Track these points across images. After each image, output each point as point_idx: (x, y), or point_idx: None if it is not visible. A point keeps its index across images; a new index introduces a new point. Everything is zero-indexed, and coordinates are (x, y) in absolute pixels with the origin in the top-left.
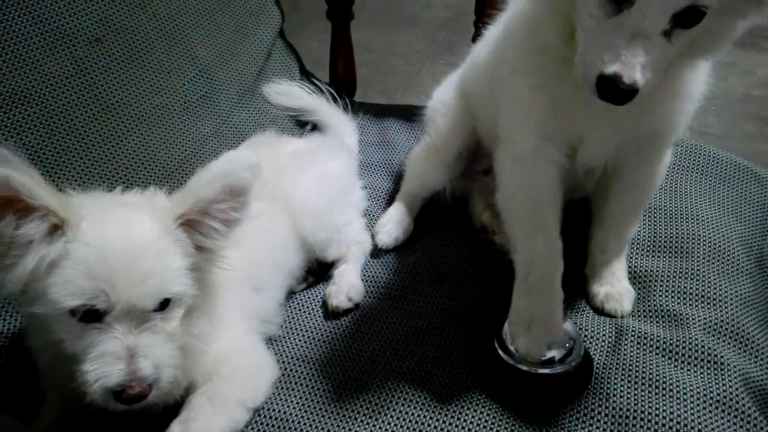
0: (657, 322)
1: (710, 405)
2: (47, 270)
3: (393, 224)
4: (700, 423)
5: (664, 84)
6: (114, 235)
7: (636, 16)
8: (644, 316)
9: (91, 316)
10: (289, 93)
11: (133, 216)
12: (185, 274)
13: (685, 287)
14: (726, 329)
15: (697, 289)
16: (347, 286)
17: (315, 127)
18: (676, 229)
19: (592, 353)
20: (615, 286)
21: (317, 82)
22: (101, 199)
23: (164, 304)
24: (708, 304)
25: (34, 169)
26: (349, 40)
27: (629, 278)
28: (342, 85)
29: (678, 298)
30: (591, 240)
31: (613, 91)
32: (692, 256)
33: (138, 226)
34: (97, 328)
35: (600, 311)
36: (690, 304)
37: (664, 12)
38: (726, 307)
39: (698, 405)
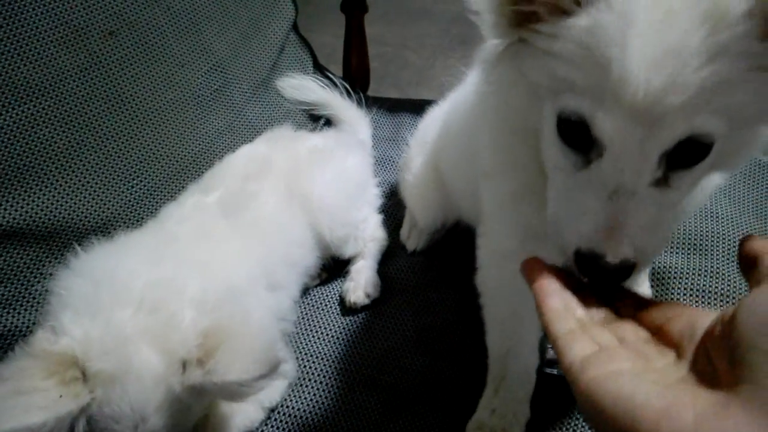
0: None
1: None
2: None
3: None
4: None
5: None
6: (127, 424)
7: (609, 170)
8: None
9: None
10: (302, 87)
11: (148, 393)
12: (190, 425)
13: (704, 285)
14: None
15: (716, 287)
16: (365, 282)
17: (328, 122)
18: (695, 226)
19: None
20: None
21: (331, 76)
22: (113, 347)
23: None
24: (728, 303)
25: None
26: (363, 34)
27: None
28: (355, 79)
29: (697, 296)
30: None
31: (599, 271)
32: (711, 255)
33: (151, 407)
34: None
35: None
36: (710, 304)
37: (647, 156)
38: None
39: None
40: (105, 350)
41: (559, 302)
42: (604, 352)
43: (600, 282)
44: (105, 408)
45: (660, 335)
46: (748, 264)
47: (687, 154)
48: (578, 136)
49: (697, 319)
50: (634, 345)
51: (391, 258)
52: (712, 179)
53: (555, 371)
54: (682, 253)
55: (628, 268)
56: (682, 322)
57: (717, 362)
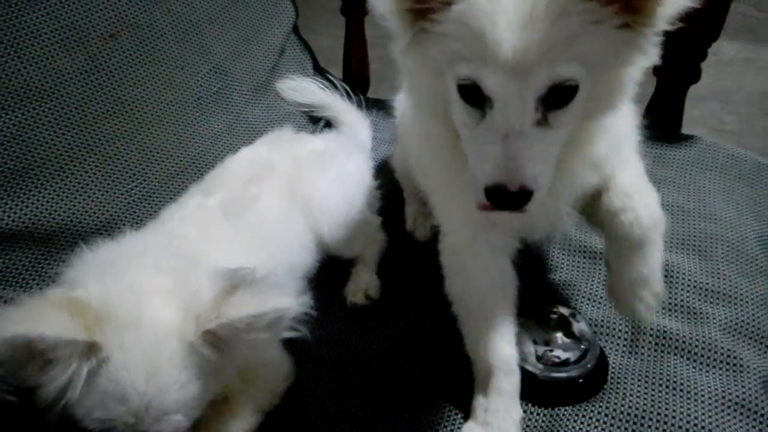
0: (675, 317)
1: (728, 407)
2: (76, 387)
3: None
4: (717, 426)
5: (578, 150)
6: (138, 372)
7: (499, 117)
8: (661, 311)
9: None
10: (302, 89)
11: (160, 342)
12: (206, 399)
13: (704, 283)
14: (745, 329)
15: (716, 286)
16: (365, 283)
17: (328, 124)
18: (694, 228)
19: (608, 351)
20: None
21: (332, 78)
22: (126, 298)
23: None
24: (727, 302)
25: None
26: (363, 36)
27: None
28: (355, 81)
29: (697, 294)
30: None
31: (505, 199)
32: (710, 256)
33: (163, 356)
34: None
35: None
36: (709, 302)
37: (525, 101)
38: (745, 307)
39: (716, 407)
40: (118, 299)
41: None
42: None
43: (507, 207)
44: (116, 354)
45: None
46: None
47: (558, 97)
48: (474, 96)
49: None
50: None
51: (391, 260)
52: (616, 123)
53: (530, 367)
54: (683, 253)
55: (527, 194)
56: None
57: None
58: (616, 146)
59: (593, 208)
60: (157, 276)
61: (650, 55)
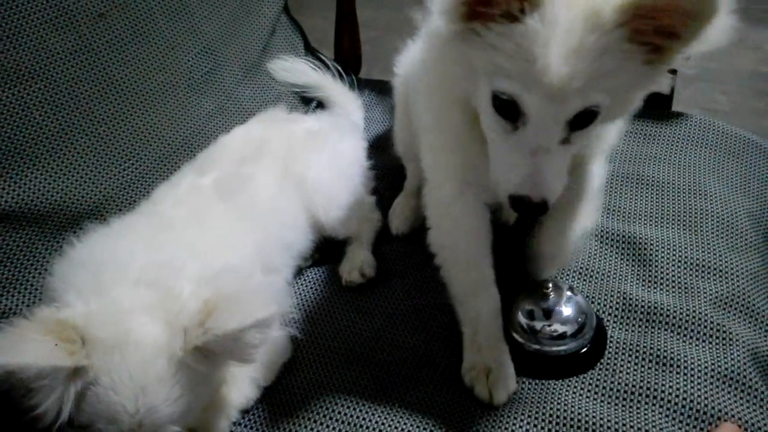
0: (665, 291)
1: (717, 380)
2: (65, 410)
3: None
4: (707, 398)
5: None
6: (126, 393)
7: (532, 135)
8: (652, 285)
9: None
10: (294, 69)
11: (148, 361)
12: (200, 405)
13: (694, 258)
14: (735, 302)
15: (705, 260)
16: (360, 261)
17: (320, 104)
18: (684, 203)
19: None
20: None
21: (324, 58)
22: (112, 318)
23: None
24: (717, 276)
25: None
26: (354, 17)
27: (635, 246)
28: (347, 62)
29: (687, 268)
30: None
31: (526, 208)
32: (700, 231)
33: (151, 375)
34: None
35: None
36: (699, 276)
37: (558, 124)
38: (735, 280)
39: (705, 380)
40: (104, 321)
41: None
42: None
43: (526, 215)
44: (103, 377)
45: None
46: None
47: (583, 119)
48: (508, 109)
49: None
50: None
51: (385, 239)
52: (610, 130)
53: (519, 338)
54: (673, 228)
55: (545, 204)
56: None
57: None
58: (600, 143)
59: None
60: (141, 291)
61: (662, 85)
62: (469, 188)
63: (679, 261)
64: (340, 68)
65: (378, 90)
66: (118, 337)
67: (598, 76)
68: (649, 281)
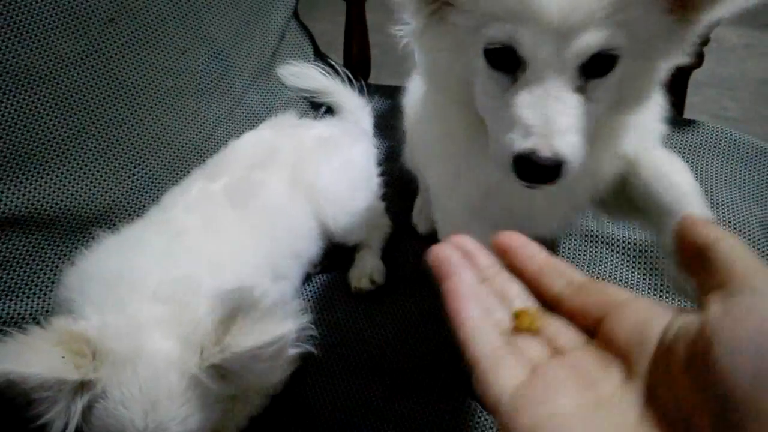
0: (677, 301)
1: None
2: (71, 423)
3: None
4: None
5: (604, 144)
6: (136, 409)
7: (533, 78)
8: (663, 295)
9: None
10: (303, 75)
11: (159, 377)
12: (211, 425)
13: None
14: None
15: None
16: (369, 268)
17: (329, 110)
18: None
19: None
20: None
21: (333, 63)
22: (125, 332)
23: None
24: None
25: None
26: (364, 22)
27: (646, 255)
28: (356, 67)
29: None
30: None
31: (534, 169)
32: None
33: (162, 392)
34: None
35: None
36: None
37: (564, 64)
38: None
39: None
40: (117, 334)
41: (475, 307)
42: (539, 377)
43: (537, 181)
44: (113, 390)
45: (600, 337)
46: (692, 258)
47: (598, 65)
48: (504, 60)
49: (645, 319)
50: (572, 359)
51: (395, 245)
52: (645, 120)
53: None
54: None
55: (560, 165)
56: (627, 322)
57: (691, 410)
58: (642, 140)
59: (618, 195)
60: (156, 307)
61: (686, 52)
62: (479, 223)
63: None
64: (349, 74)
65: (387, 95)
66: (130, 352)
67: (609, 7)
68: (660, 291)
